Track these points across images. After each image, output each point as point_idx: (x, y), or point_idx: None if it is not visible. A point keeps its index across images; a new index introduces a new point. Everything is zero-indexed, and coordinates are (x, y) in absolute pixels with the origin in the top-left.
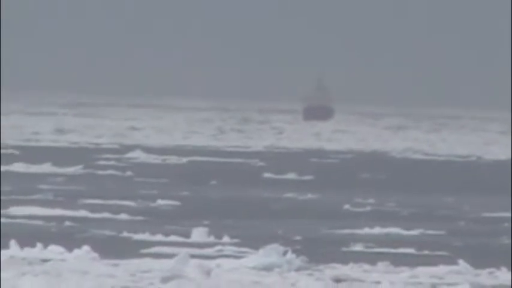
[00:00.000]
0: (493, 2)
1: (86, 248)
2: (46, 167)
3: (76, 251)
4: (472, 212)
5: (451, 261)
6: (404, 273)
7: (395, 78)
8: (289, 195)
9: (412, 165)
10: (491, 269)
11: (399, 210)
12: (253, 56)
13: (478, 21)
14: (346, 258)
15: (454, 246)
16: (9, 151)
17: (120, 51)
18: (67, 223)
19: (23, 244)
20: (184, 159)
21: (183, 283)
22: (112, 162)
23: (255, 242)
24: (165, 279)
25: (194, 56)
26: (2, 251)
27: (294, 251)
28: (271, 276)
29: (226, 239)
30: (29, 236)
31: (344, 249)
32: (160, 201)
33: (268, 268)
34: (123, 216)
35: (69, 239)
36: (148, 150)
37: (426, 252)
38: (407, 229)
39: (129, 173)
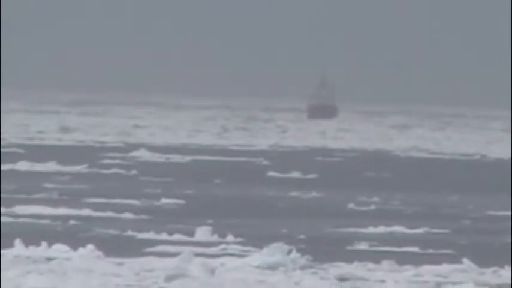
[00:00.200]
0: (495, 1)
1: (90, 246)
2: (50, 166)
3: (80, 250)
4: (476, 211)
5: (455, 259)
6: (409, 271)
7: (399, 77)
8: (294, 193)
9: (417, 164)
10: (496, 268)
11: (404, 209)
12: (257, 55)
13: (482, 20)
14: (350, 257)
15: (459, 244)
16: (14, 150)
17: (122, 51)
18: (71, 222)
19: (27, 243)
20: (189, 158)
21: (187, 282)
22: (116, 161)
23: (259, 241)
24: (169, 278)
25: (198, 55)
26: (7, 250)
27: (298, 250)
28: (275, 275)
29: (230, 237)
30: (33, 235)
31: (348, 247)
32: (164, 200)
33: (272, 267)
34: (128, 215)
35: (74, 238)
36: (152, 148)
37: (431, 250)
38: (412, 228)
39: (133, 172)
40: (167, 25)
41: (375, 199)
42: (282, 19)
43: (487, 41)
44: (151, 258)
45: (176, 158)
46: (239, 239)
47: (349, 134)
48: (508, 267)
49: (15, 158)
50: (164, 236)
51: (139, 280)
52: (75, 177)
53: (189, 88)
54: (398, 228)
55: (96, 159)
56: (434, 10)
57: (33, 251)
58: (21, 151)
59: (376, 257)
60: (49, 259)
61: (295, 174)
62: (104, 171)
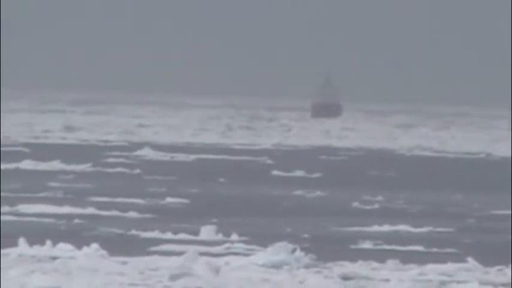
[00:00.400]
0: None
1: (94, 245)
2: (55, 165)
3: (85, 249)
4: (481, 210)
5: (460, 258)
6: (413, 270)
7: (403, 76)
8: (298, 192)
9: (421, 163)
10: (500, 267)
11: (408, 208)
12: (261, 54)
13: (486, 19)
14: (354, 256)
15: (463, 243)
16: (18, 148)
17: (123, 50)
18: (76, 221)
19: (31, 242)
20: (193, 157)
21: (191, 281)
22: (121, 160)
23: (263, 240)
24: (173, 277)
25: (201, 54)
26: (11, 249)
27: (302, 249)
28: (279, 274)
29: (234, 236)
30: (37, 234)
31: (352, 246)
32: (169, 199)
33: (276, 266)
34: (132, 214)
35: (78, 237)
36: (157, 147)
37: (435, 249)
38: (416, 226)
39: (137, 171)
40: (169, 24)
41: (379, 198)
42: (285, 18)
43: (491, 39)
44: (155, 257)
45: (180, 156)
46: (244, 238)
47: (354, 132)
48: None
49: (19, 156)
50: (169, 235)
51: (144, 279)
52: (79, 176)
53: (193, 87)
54: (402, 227)
55: (101, 158)
56: (435, 9)
57: (38, 250)
58: (26, 150)
59: (380, 256)
60: (53, 258)
61: (299, 173)
62: (108, 170)
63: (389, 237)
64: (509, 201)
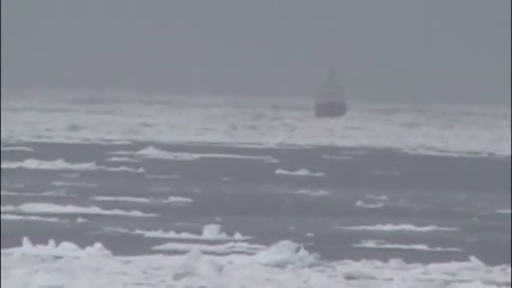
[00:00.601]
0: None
1: (98, 245)
2: (58, 164)
3: (88, 248)
4: (484, 209)
5: (463, 257)
6: (417, 269)
7: (406, 75)
8: (302, 191)
9: (425, 162)
10: (504, 266)
11: (412, 207)
12: (266, 54)
13: (490, 18)
14: (358, 255)
15: (467, 242)
16: (22, 148)
17: (123, 50)
18: (79, 220)
19: (35, 241)
20: (197, 156)
21: (195, 280)
22: (124, 159)
23: (267, 239)
24: (177, 276)
25: (207, 53)
26: (14, 249)
27: (306, 248)
28: (283, 273)
29: (238, 235)
30: (41, 233)
31: (356, 245)
32: (172, 198)
33: (280, 265)
34: (136, 213)
35: (82, 236)
36: (160, 146)
37: (438, 248)
38: (420, 226)
39: (141, 170)
40: (173, 23)
41: (383, 197)
42: (289, 17)
43: (495, 38)
44: (159, 256)
45: (184, 155)
46: (247, 237)
47: (357, 131)
48: None
49: (23, 156)
50: (172, 234)
51: (147, 278)
52: (83, 175)
53: (197, 86)
54: (406, 226)
55: (104, 157)
56: (438, 8)
57: (41, 249)
58: (29, 149)
59: (384, 255)
60: (57, 257)
61: (303, 172)
62: (112, 169)
63: (392, 236)
64: None
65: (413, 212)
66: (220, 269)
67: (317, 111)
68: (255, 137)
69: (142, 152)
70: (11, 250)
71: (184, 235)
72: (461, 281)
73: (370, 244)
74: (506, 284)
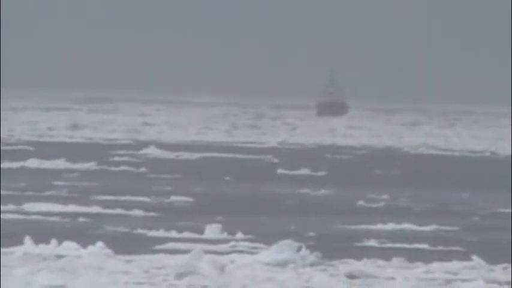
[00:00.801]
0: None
1: (100, 244)
2: (60, 163)
3: (90, 248)
4: (486, 208)
5: (465, 256)
6: (419, 268)
7: (408, 75)
8: (303, 191)
9: (426, 161)
10: (505, 265)
11: (413, 206)
12: (267, 53)
13: (490, 18)
14: (360, 254)
15: (468, 241)
16: (23, 147)
17: (127, 49)
18: (81, 219)
19: (37, 240)
20: (198, 155)
21: (197, 279)
22: (126, 158)
23: (268, 238)
24: (179, 275)
25: (208, 53)
26: (16, 248)
27: (307, 247)
28: (285, 272)
29: (239, 235)
30: (43, 233)
31: (358, 245)
32: (174, 198)
33: (282, 264)
34: (137, 212)
35: (84, 235)
36: (162, 146)
37: (440, 247)
38: (422, 225)
39: (143, 169)
40: (173, 23)
41: (385, 196)
42: (290, 17)
43: (495, 38)
44: (161, 256)
45: (186, 155)
46: (249, 236)
47: (359, 131)
48: None
49: (24, 155)
50: (174, 234)
51: (149, 277)
52: (84, 175)
53: (198, 86)
54: (407, 225)
55: (106, 157)
56: (439, 8)
57: (43, 248)
58: (30, 148)
59: (385, 254)
60: (59, 257)
61: (305, 172)
62: (114, 169)
63: (394, 235)
64: None
65: (414, 211)
66: (222, 268)
67: (318, 111)
68: (256, 136)
69: (143, 151)
70: (12, 249)
71: (186, 234)
72: (463, 280)
73: (371, 243)
74: (507, 283)
